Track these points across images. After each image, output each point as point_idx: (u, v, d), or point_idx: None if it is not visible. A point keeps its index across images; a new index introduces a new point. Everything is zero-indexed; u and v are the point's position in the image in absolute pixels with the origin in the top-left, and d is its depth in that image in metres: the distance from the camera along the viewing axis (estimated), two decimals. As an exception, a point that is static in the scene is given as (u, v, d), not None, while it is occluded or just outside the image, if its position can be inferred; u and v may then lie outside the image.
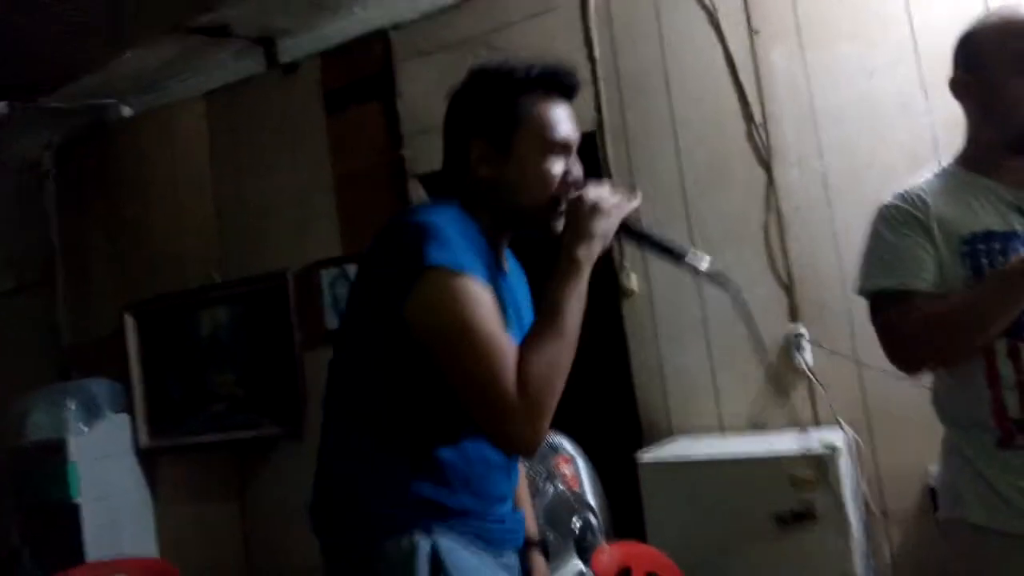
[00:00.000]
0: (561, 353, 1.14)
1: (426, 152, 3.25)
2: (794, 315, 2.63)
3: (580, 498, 2.49)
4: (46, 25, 3.07)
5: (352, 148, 3.44)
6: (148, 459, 3.75)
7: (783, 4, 2.69)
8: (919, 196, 1.48)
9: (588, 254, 1.21)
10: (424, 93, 3.25)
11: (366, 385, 1.21)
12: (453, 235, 1.15)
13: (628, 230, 1.29)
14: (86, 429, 3.54)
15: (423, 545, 1.14)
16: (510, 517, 1.32)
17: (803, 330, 2.60)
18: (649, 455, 2.45)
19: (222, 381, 3.62)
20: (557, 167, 1.27)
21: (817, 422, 2.55)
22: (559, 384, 1.12)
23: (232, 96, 3.74)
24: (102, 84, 3.87)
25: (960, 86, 1.51)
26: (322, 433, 1.29)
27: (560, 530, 2.38)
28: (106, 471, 3.53)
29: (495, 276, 1.22)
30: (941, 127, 2.47)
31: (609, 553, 2.04)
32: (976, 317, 1.36)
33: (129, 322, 3.85)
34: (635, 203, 1.28)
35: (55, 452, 3.41)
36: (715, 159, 2.77)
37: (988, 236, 1.41)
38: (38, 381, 3.86)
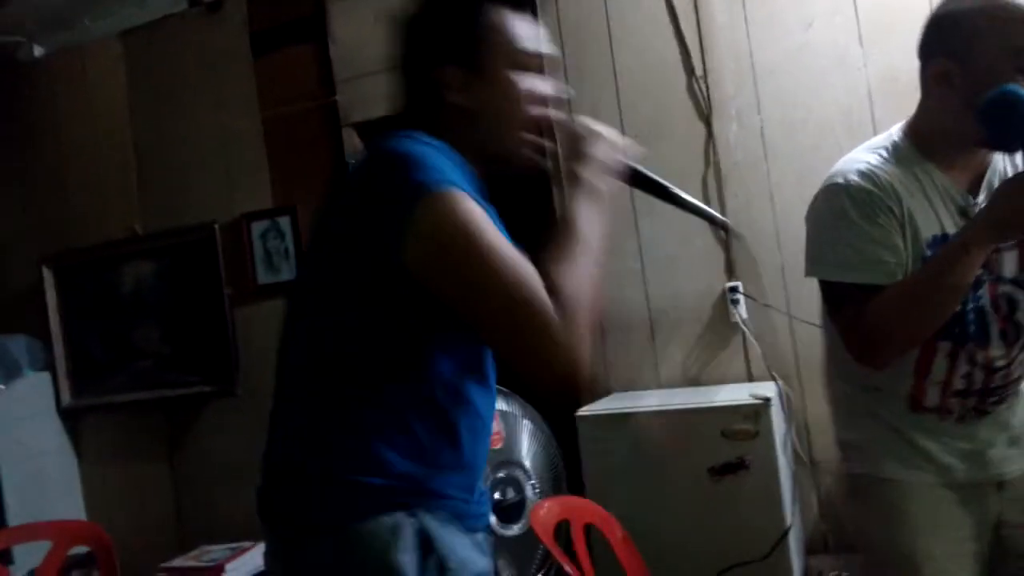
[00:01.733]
0: (589, 265, 1.01)
1: (360, 98, 3.13)
2: (730, 270, 2.65)
3: (502, 456, 2.48)
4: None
5: (282, 94, 3.30)
6: (72, 419, 3.61)
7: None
8: (888, 182, 1.37)
9: (594, 175, 1.11)
10: (359, 37, 3.12)
11: (348, 346, 1.05)
12: (439, 158, 1.02)
13: (638, 176, 1.19)
14: (4, 388, 3.38)
15: (408, 524, 1.01)
16: (483, 494, 1.19)
17: (739, 285, 2.63)
18: (586, 409, 2.45)
19: (147, 337, 3.49)
20: (535, 83, 1.15)
21: (751, 376, 2.60)
22: (594, 294, 0.99)
23: (151, 36, 3.52)
24: (9, 21, 3.62)
25: (942, 77, 1.35)
26: (280, 404, 1.12)
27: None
28: (27, 432, 3.38)
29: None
30: (876, 81, 2.50)
31: (547, 507, 2.05)
32: (936, 298, 1.30)
33: (47, 276, 3.66)
34: (636, 149, 1.20)
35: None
36: (656, 112, 2.74)
37: (945, 239, 1.36)
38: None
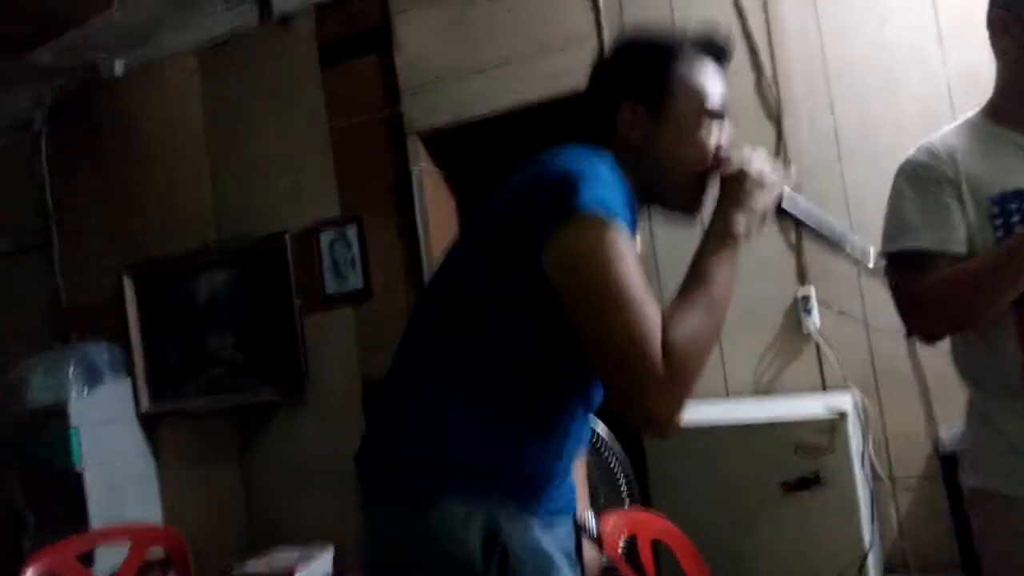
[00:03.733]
0: (709, 323, 1.04)
1: (425, 108, 3.15)
2: (802, 277, 2.56)
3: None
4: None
5: (349, 105, 3.35)
6: (150, 424, 3.74)
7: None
8: (945, 151, 1.36)
9: (747, 230, 1.13)
10: (423, 46, 3.14)
11: (476, 330, 1.09)
12: (610, 180, 1.06)
13: (784, 211, 1.19)
14: (87, 394, 3.52)
15: (479, 513, 1.04)
16: (570, 487, 1.24)
17: (811, 292, 2.54)
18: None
19: (221, 345, 3.58)
20: (712, 137, 1.18)
21: (825, 386, 2.50)
22: (705, 357, 1.02)
23: (224, 51, 3.62)
24: (92, 39, 3.76)
25: (998, 26, 1.36)
26: (399, 373, 1.17)
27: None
28: (108, 436, 3.51)
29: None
30: (956, 78, 2.38)
31: (614, 521, 2.01)
32: (990, 284, 1.26)
33: (128, 284, 3.80)
34: (792, 178, 1.19)
35: (56, 417, 3.39)
36: (722, 115, 2.68)
37: (1020, 195, 1.30)
38: (37, 345, 3.83)
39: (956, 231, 1.32)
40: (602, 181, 1.04)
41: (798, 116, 2.59)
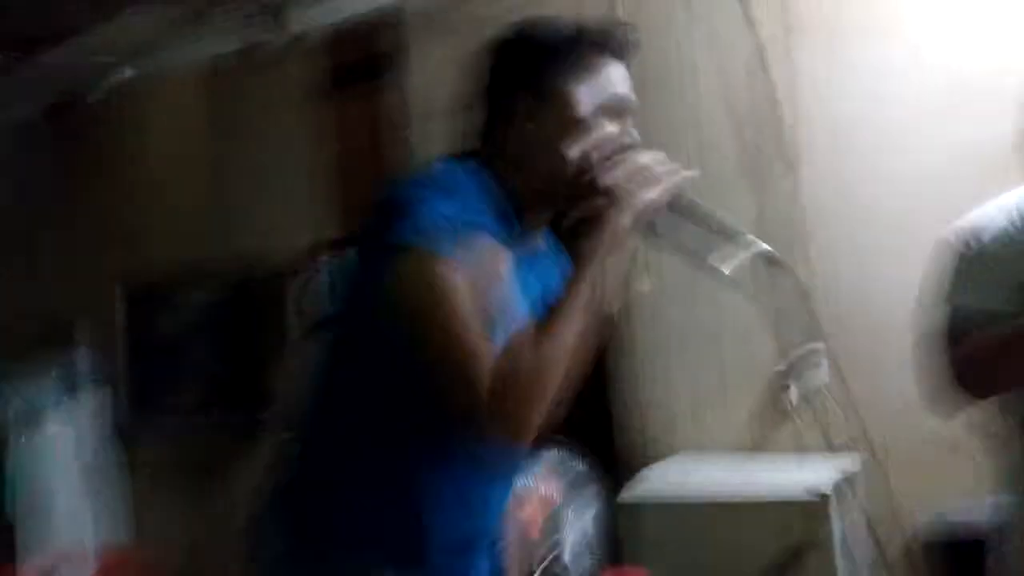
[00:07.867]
0: (546, 360, 1.02)
1: (432, 136, 3.11)
2: (783, 350, 2.50)
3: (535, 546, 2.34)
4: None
5: (357, 129, 3.32)
6: (128, 438, 3.65)
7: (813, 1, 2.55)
8: (991, 228, 1.33)
9: (616, 231, 1.06)
10: (434, 75, 3.11)
11: (353, 392, 1.13)
12: (435, 205, 1.02)
13: (680, 205, 1.10)
14: (66, 402, 3.45)
15: None
16: (488, 558, 1.24)
17: (820, 347, 2.47)
18: (629, 493, 2.27)
19: (207, 362, 3.53)
20: (603, 128, 1.12)
21: (829, 445, 2.42)
22: (537, 390, 1.01)
23: (233, 67, 3.58)
24: (99, 46, 3.73)
25: None
26: (305, 435, 1.21)
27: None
28: (84, 447, 3.42)
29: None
30: (979, 128, 2.34)
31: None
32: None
33: (118, 294, 3.76)
34: (690, 173, 1.11)
35: (32, 426, 3.31)
36: (735, 163, 2.64)
37: None
38: (23, 356, 3.74)
39: (996, 316, 1.27)
40: (425, 209, 1.01)
41: (813, 166, 2.54)
